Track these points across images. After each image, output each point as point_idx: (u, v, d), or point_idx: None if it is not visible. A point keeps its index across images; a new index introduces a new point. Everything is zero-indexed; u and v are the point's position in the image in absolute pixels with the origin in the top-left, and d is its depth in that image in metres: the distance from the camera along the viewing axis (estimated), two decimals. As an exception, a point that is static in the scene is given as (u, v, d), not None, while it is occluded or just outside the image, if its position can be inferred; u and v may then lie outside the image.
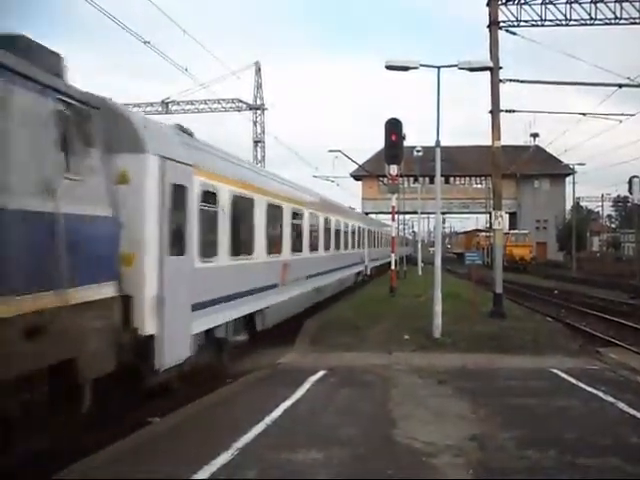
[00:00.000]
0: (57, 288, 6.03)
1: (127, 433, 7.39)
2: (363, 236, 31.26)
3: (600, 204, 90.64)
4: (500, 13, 19.29)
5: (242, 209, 11.83)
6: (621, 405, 8.92)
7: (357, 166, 55.24)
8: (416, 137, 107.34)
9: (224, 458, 6.47)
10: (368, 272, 32.62)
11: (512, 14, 19.58)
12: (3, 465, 5.70)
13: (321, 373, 10.98)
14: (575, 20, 20.15)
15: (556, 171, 65.30)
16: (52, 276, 5.99)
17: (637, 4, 19.74)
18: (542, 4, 19.92)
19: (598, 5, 19.99)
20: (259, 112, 51.70)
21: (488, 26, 19.10)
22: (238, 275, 11.44)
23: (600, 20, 20.16)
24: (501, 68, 18.94)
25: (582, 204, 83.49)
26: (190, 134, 10.18)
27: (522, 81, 20.11)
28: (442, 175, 15.99)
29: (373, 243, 35.77)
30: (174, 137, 9.47)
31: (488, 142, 19.81)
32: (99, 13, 15.63)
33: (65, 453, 6.43)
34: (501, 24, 19.24)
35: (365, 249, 31.73)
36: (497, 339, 14.43)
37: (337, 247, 22.88)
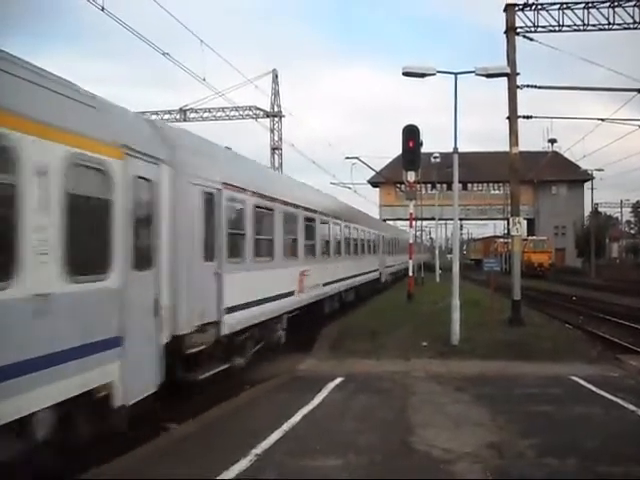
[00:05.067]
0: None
1: (146, 439, 7.46)
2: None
3: (619, 210, 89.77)
4: (517, 19, 19.29)
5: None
6: (642, 413, 8.84)
7: (374, 173, 55.38)
8: (433, 144, 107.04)
9: (243, 464, 6.51)
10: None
11: (529, 20, 19.55)
12: (23, 467, 5.78)
13: (339, 380, 11.00)
14: (593, 25, 19.95)
15: (574, 177, 64.85)
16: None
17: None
18: (559, 9, 19.83)
19: (616, 10, 19.83)
20: (276, 119, 51.84)
21: (505, 32, 19.08)
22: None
23: (618, 25, 19.97)
24: (518, 74, 18.90)
25: (601, 210, 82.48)
26: None
27: (539, 87, 20.05)
28: (460, 181, 15.93)
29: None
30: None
31: (506, 148, 19.80)
32: (117, 24, 15.75)
33: (84, 458, 6.51)
34: (518, 30, 19.20)
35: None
36: (515, 346, 14.35)
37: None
